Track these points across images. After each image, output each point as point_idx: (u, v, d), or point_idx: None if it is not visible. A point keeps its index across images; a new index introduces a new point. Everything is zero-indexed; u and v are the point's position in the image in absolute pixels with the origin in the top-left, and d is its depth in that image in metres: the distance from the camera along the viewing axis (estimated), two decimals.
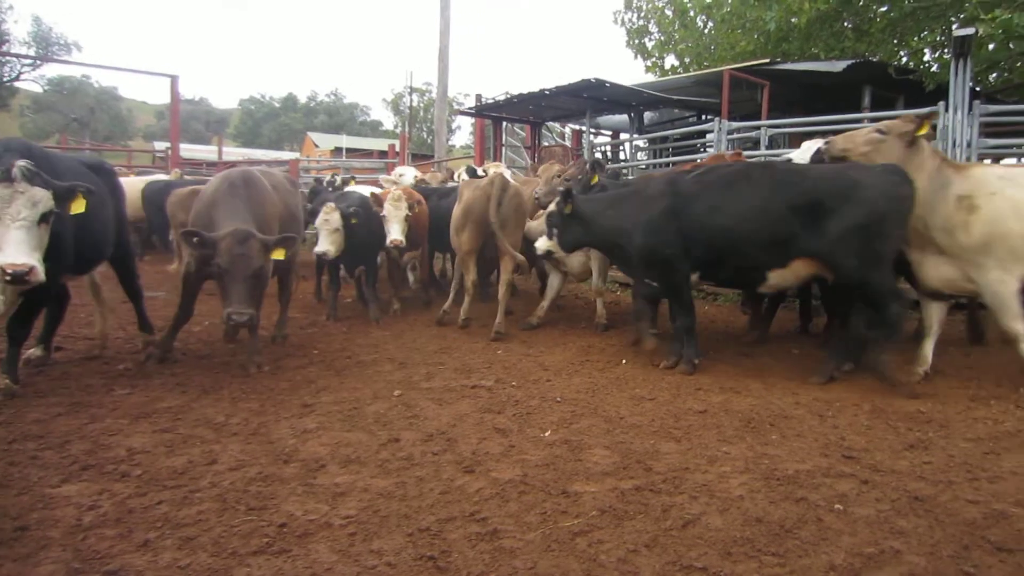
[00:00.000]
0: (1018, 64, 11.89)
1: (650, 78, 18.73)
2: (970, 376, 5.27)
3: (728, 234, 5.28)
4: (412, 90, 53.59)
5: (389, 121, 75.59)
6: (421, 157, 38.91)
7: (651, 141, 15.91)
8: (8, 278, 3.89)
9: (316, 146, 51.32)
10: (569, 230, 6.15)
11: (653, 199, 5.63)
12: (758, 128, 11.07)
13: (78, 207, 4.48)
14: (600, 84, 12.69)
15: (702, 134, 12.57)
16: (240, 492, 3.22)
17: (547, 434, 4.05)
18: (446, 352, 6.20)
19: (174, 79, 16.06)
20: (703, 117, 17.28)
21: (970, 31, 8.40)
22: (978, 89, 12.33)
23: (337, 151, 43.05)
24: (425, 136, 56.08)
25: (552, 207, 6.40)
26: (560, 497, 3.19)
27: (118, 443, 3.81)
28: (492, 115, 16.61)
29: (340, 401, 4.69)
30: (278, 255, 5.38)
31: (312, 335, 6.92)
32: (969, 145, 9.02)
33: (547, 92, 13.65)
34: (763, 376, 5.34)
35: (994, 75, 13.38)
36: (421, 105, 61.73)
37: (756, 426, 4.17)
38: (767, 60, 12.95)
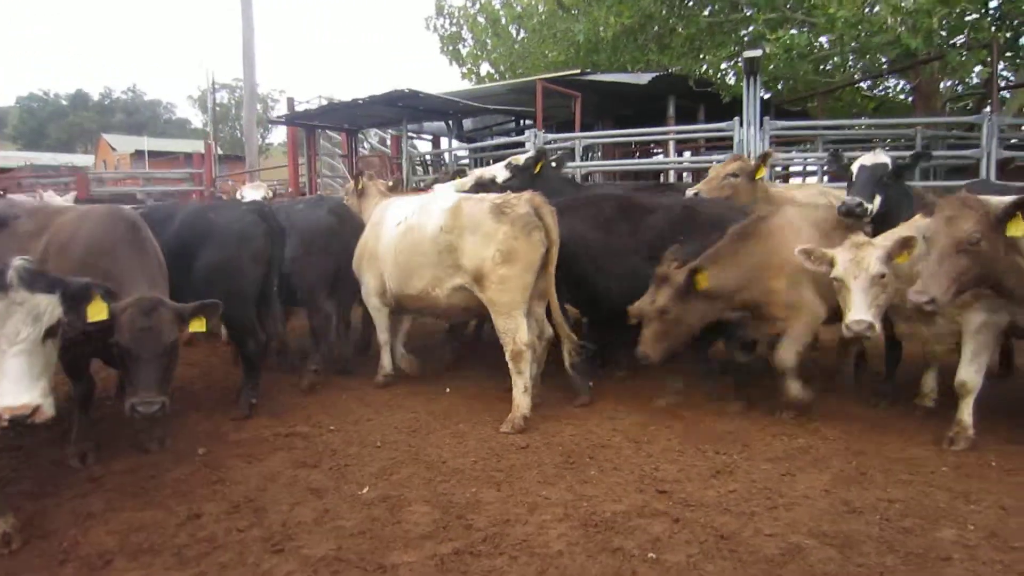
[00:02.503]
0: (801, 74, 13.02)
1: (466, 85, 18.82)
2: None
3: None
4: (218, 87, 50.07)
5: (197, 119, 70.43)
6: (234, 160, 36.33)
7: (472, 151, 15.93)
8: (6, 424, 2.99)
9: (113, 149, 45.48)
10: None
11: None
12: (573, 139, 11.42)
13: (97, 312, 3.55)
14: (414, 94, 12.51)
15: (521, 144, 12.76)
16: None
17: (365, 491, 3.83)
18: (262, 393, 5.74)
19: None
20: (521, 122, 17.65)
21: (758, 53, 9.12)
22: (767, 97, 13.49)
23: (138, 155, 39.02)
24: (239, 135, 52.55)
25: None
26: (376, 573, 3.00)
27: None
28: (305, 123, 15.90)
29: (135, 468, 4.18)
30: (197, 327, 4.23)
31: (105, 379, 6.19)
32: None
33: (361, 102, 13.27)
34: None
35: (781, 84, 14.63)
36: (232, 102, 58.10)
37: (576, 460, 4.20)
38: (578, 71, 13.38)
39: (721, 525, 3.35)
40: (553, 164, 7.11)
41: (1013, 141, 10.02)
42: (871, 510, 3.52)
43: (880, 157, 5.24)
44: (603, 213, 5.71)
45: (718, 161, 8.17)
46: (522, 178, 6.60)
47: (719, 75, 14.15)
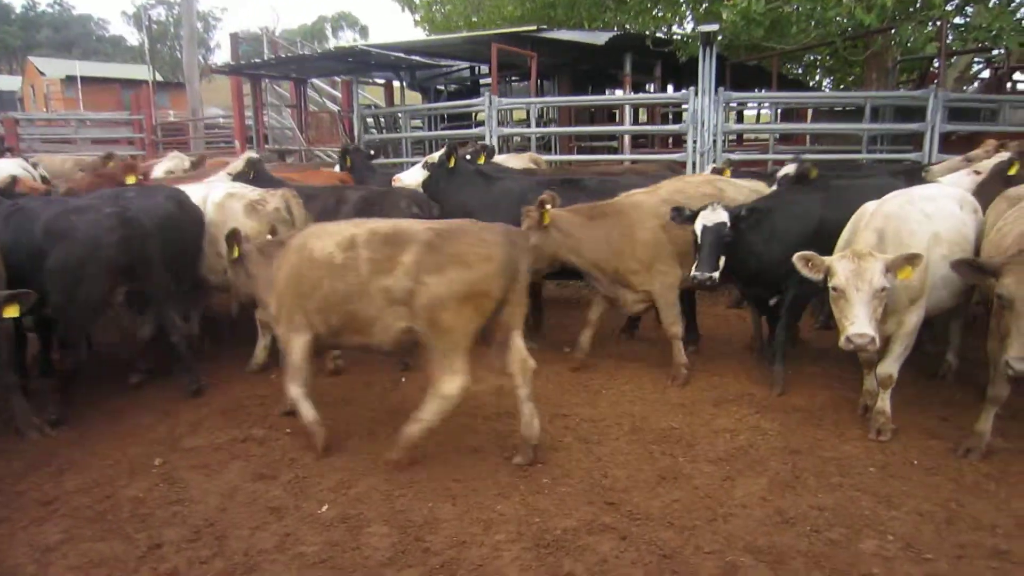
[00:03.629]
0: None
1: (420, 33, 18.36)
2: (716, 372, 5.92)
3: None
4: (154, 1, 46.66)
5: (132, 36, 65.56)
6: (175, 88, 34.15)
7: (427, 111, 15.63)
8: None
9: (42, 74, 41.35)
10: None
11: None
12: (527, 104, 11.38)
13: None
14: (365, 51, 12.22)
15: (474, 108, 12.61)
16: None
17: (324, 508, 3.94)
18: (215, 386, 5.77)
19: None
20: (477, 69, 17.38)
21: (714, 27, 9.16)
22: (725, 56, 13.51)
23: (70, 81, 35.18)
24: (179, 55, 48.39)
25: None
26: None
27: None
28: (250, 73, 15.38)
29: (90, 487, 4.19)
30: (10, 312, 4.41)
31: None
32: (715, 127, 9.88)
33: (309, 56, 12.90)
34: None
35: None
36: (171, 19, 54.23)
37: (528, 468, 4.35)
38: (534, 27, 13.19)
39: (665, 542, 3.56)
40: (467, 157, 7.55)
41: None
42: (802, 519, 3.78)
43: (718, 215, 5.39)
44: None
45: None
46: (438, 173, 6.97)
47: (676, 35, 14.09)
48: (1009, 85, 14.94)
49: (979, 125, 11.27)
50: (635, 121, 15.83)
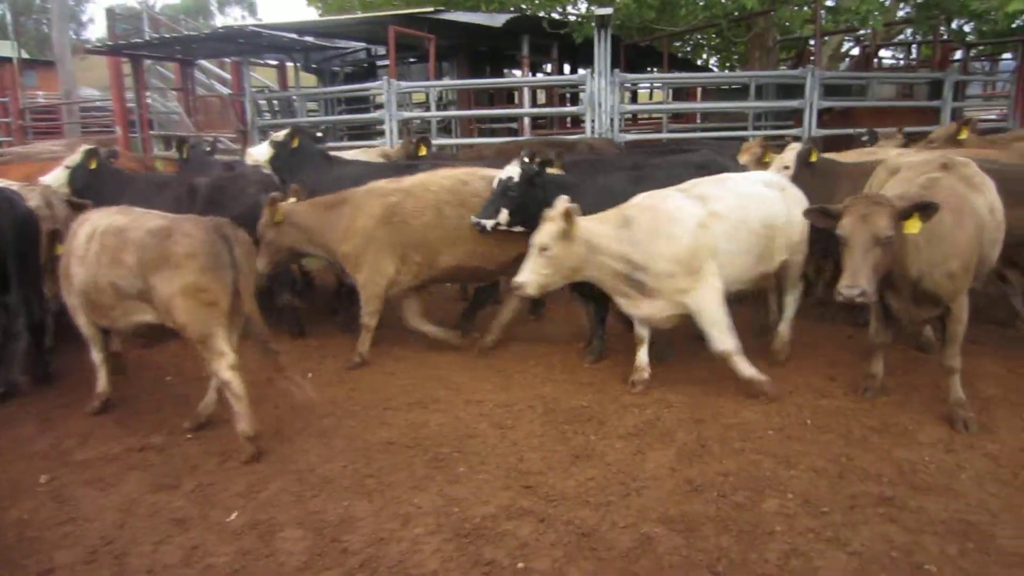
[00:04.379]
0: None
1: (313, 13, 17.76)
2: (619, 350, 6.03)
3: None
4: None
5: None
6: (44, 67, 31.39)
7: (322, 95, 15.17)
8: None
9: None
10: None
11: None
12: (426, 87, 11.24)
13: None
14: (256, 32, 11.73)
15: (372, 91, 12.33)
16: None
17: (233, 516, 3.79)
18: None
19: None
20: (373, 50, 17.00)
21: (608, 10, 9.33)
22: (619, 37, 13.76)
23: None
24: (47, 30, 44.57)
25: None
26: None
27: None
28: (130, 53, 14.43)
29: None
30: None
31: None
32: (612, 108, 10.07)
33: (196, 36, 12.27)
34: (446, 380, 5.57)
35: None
36: None
37: (444, 458, 4.34)
38: (431, 9, 13.02)
39: (582, 521, 3.63)
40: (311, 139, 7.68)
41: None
42: (709, 486, 3.93)
43: (511, 170, 5.59)
44: None
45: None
46: (282, 153, 7.10)
47: (571, 17, 14.27)
48: (876, 62, 15.92)
49: (852, 101, 11.99)
50: (534, 103, 15.92)
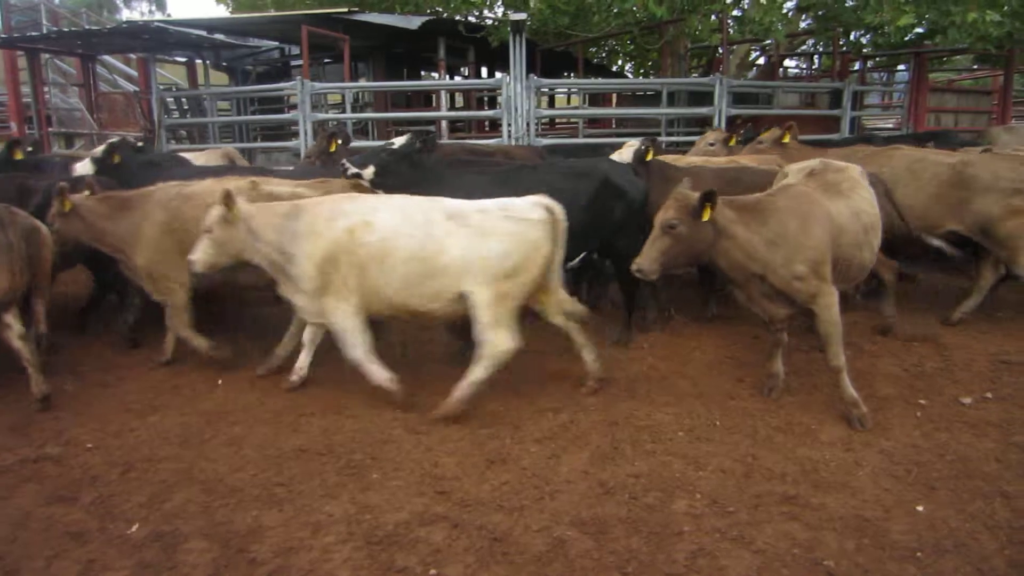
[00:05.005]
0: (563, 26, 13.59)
1: (223, 10, 17.21)
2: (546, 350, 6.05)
3: None
4: None
5: None
6: None
7: (235, 95, 14.72)
8: None
9: None
10: None
11: None
12: (341, 89, 11.06)
13: None
14: (163, 29, 11.29)
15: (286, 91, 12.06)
16: None
17: (135, 528, 3.65)
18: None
19: None
20: (287, 50, 16.63)
21: (522, 16, 9.43)
22: (536, 42, 13.91)
23: None
24: None
25: None
26: None
27: None
28: (27, 47, 13.64)
29: None
30: None
31: None
32: (528, 112, 10.16)
33: (97, 31, 11.70)
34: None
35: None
36: None
37: (357, 465, 4.29)
38: (345, 10, 12.82)
39: (495, 526, 3.64)
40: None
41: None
42: (621, 488, 4.01)
43: (399, 139, 5.96)
44: None
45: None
46: (105, 169, 6.91)
47: (487, 21, 14.30)
48: (783, 72, 16.63)
49: (759, 109, 12.48)
50: (453, 106, 15.90)
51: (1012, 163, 6.33)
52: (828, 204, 4.89)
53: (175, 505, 3.87)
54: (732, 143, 7.56)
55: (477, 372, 4.80)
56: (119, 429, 4.79)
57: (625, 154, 6.65)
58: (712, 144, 7.58)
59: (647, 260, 4.53)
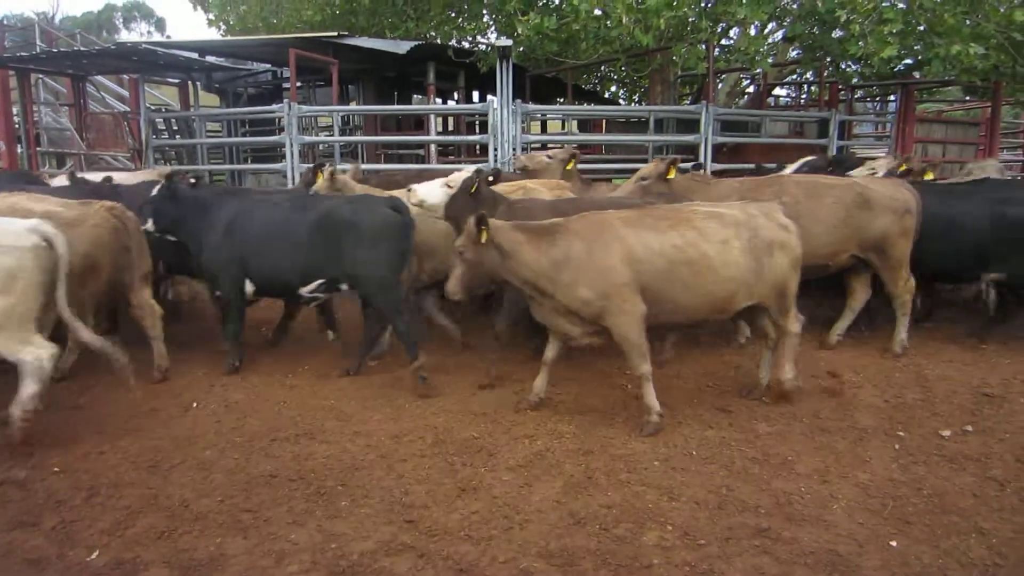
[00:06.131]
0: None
1: (214, 33, 17.32)
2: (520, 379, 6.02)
3: None
4: None
5: None
6: None
7: (225, 116, 14.78)
8: None
9: None
10: None
11: None
12: (329, 112, 11.10)
13: None
14: (151, 51, 11.33)
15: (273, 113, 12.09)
16: None
17: (95, 555, 3.58)
18: None
19: None
20: (280, 72, 16.71)
21: (508, 42, 9.49)
22: (526, 68, 14.03)
23: None
24: None
25: None
26: None
27: None
28: (17, 67, 13.67)
29: None
30: None
31: None
32: (515, 137, 10.20)
33: (87, 52, 11.74)
34: (337, 410, 5.45)
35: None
36: None
37: (327, 492, 4.23)
38: (335, 34, 12.90)
39: (462, 556, 3.59)
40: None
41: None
42: (592, 519, 3.95)
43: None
44: None
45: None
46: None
47: (476, 46, 14.45)
48: (773, 100, 16.78)
49: (747, 137, 12.56)
50: (446, 130, 15.97)
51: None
52: (628, 233, 5.04)
53: (137, 531, 3.80)
54: (671, 175, 7.11)
55: None
56: (87, 451, 4.72)
57: (455, 178, 6.30)
58: (645, 179, 7.26)
59: (451, 283, 5.05)
